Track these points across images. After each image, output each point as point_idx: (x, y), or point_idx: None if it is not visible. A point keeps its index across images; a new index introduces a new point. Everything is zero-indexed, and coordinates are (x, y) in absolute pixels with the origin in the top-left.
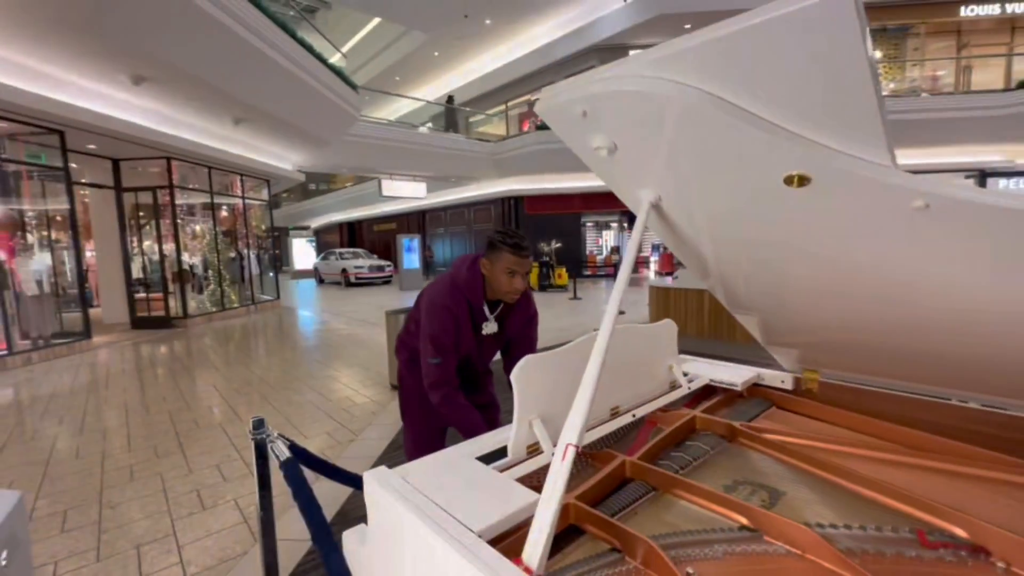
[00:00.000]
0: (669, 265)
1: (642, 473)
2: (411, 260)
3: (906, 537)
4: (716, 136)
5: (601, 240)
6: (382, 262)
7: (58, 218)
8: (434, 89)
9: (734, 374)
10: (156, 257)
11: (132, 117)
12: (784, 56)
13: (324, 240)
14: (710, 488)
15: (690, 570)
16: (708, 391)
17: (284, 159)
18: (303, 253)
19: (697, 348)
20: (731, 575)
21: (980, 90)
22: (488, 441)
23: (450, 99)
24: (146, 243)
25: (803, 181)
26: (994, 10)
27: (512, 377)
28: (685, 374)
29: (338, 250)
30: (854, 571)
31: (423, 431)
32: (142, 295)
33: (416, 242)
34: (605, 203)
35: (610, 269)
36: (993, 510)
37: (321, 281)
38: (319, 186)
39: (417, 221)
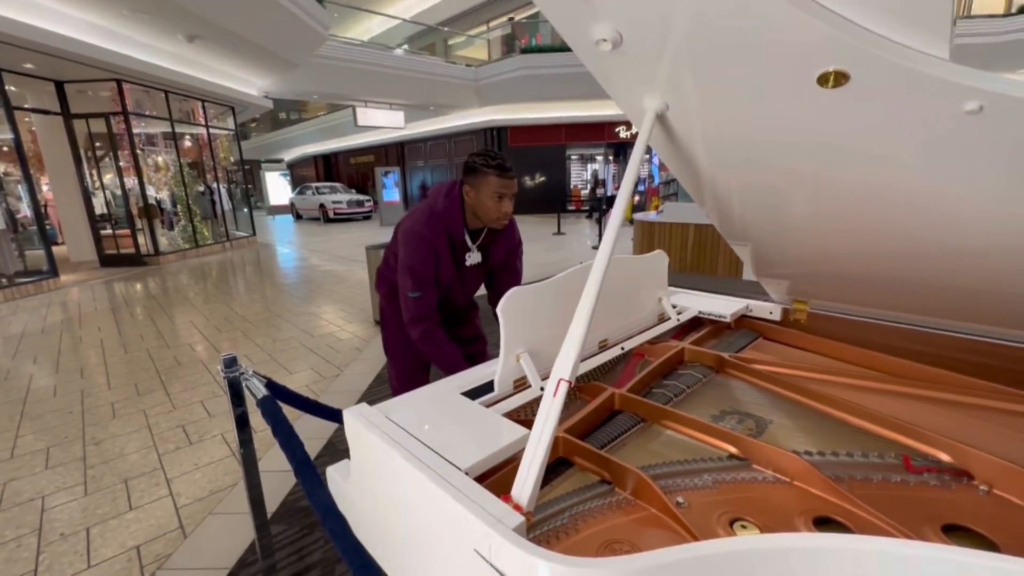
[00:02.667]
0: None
1: (631, 405)
2: (391, 194)
3: (892, 463)
4: (746, 18)
5: (586, 174)
6: (361, 197)
7: (4, 148)
8: (408, 7)
9: (722, 306)
10: (119, 191)
11: (70, 31)
12: None
13: (299, 174)
14: (698, 418)
15: (680, 499)
16: (696, 323)
17: (249, 84)
18: (278, 188)
19: (680, 282)
20: (721, 503)
21: (981, 14)
22: (473, 376)
23: None
24: (107, 176)
25: (840, 80)
26: None
27: (499, 309)
28: (674, 306)
29: (315, 184)
30: (842, 496)
31: (408, 366)
32: (108, 232)
33: (396, 175)
34: (591, 135)
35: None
36: (976, 435)
37: (299, 217)
38: (290, 115)
39: (396, 153)
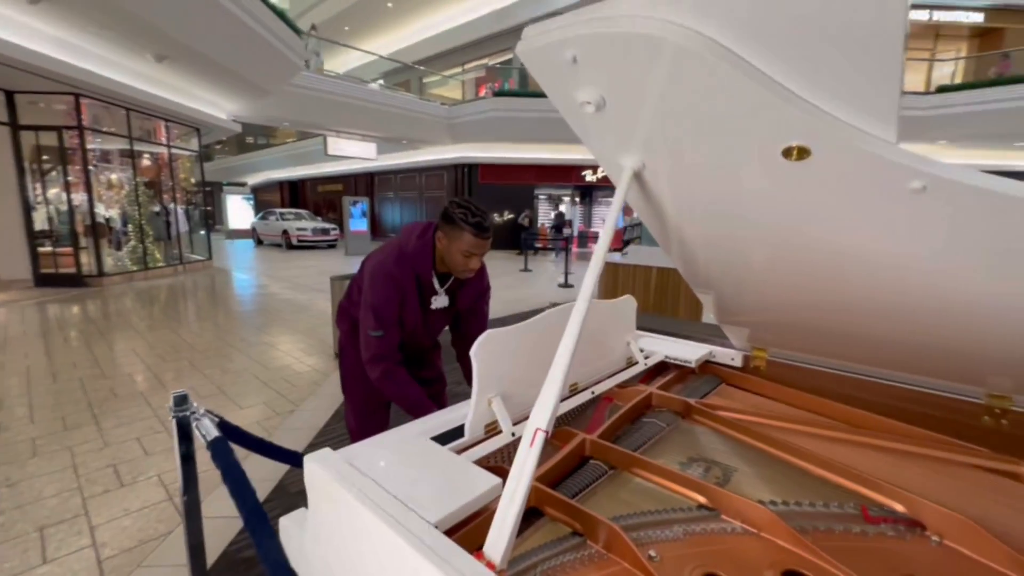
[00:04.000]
0: (618, 242)
1: (602, 452)
2: (358, 223)
3: (851, 513)
4: (718, 94)
5: (553, 213)
6: (327, 224)
7: None
8: (386, 44)
9: (687, 351)
10: (65, 207)
11: (26, 41)
12: (814, 11)
13: (263, 199)
14: (667, 466)
15: (652, 552)
16: (661, 367)
17: (217, 107)
18: (239, 211)
19: (642, 322)
20: (692, 556)
21: (907, 91)
22: (442, 419)
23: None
24: (52, 191)
25: (803, 154)
26: (923, 15)
27: (472, 353)
28: (641, 350)
29: (279, 210)
30: (807, 548)
31: (366, 404)
32: (47, 249)
33: (364, 205)
34: (559, 176)
35: (562, 242)
36: (925, 485)
37: (259, 242)
38: (258, 139)
39: (365, 183)
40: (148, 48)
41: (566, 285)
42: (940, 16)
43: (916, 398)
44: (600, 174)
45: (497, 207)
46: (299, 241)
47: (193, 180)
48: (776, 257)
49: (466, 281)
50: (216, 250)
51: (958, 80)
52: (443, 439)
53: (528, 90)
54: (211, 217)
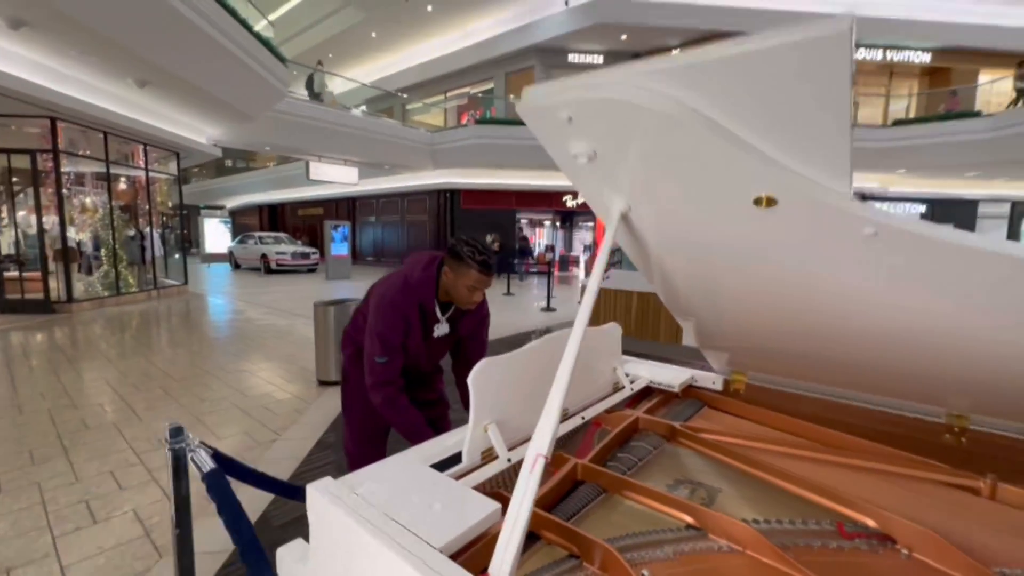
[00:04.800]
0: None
1: (593, 475)
2: (340, 248)
3: (828, 529)
4: (698, 153)
5: (535, 238)
6: (307, 248)
7: None
8: (369, 72)
9: (671, 375)
10: (34, 231)
11: (4, 65)
12: (776, 84)
13: (241, 222)
14: (656, 489)
15: (645, 572)
16: (646, 391)
17: (198, 131)
18: (217, 235)
19: (625, 345)
20: (682, 574)
21: (864, 124)
22: (440, 447)
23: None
24: (20, 213)
25: (771, 203)
26: (877, 55)
27: (469, 381)
28: (627, 375)
29: (258, 234)
30: (790, 564)
31: (364, 431)
32: (13, 274)
33: (345, 229)
34: (540, 202)
35: (543, 267)
36: (896, 501)
37: (237, 266)
38: (236, 163)
39: (346, 207)
40: (130, 73)
41: (548, 308)
42: (893, 56)
43: (885, 419)
44: (580, 200)
45: (480, 232)
46: (278, 265)
47: (170, 203)
48: (751, 290)
49: (464, 312)
50: (192, 274)
51: (912, 115)
52: (441, 466)
53: (510, 118)
54: (187, 241)
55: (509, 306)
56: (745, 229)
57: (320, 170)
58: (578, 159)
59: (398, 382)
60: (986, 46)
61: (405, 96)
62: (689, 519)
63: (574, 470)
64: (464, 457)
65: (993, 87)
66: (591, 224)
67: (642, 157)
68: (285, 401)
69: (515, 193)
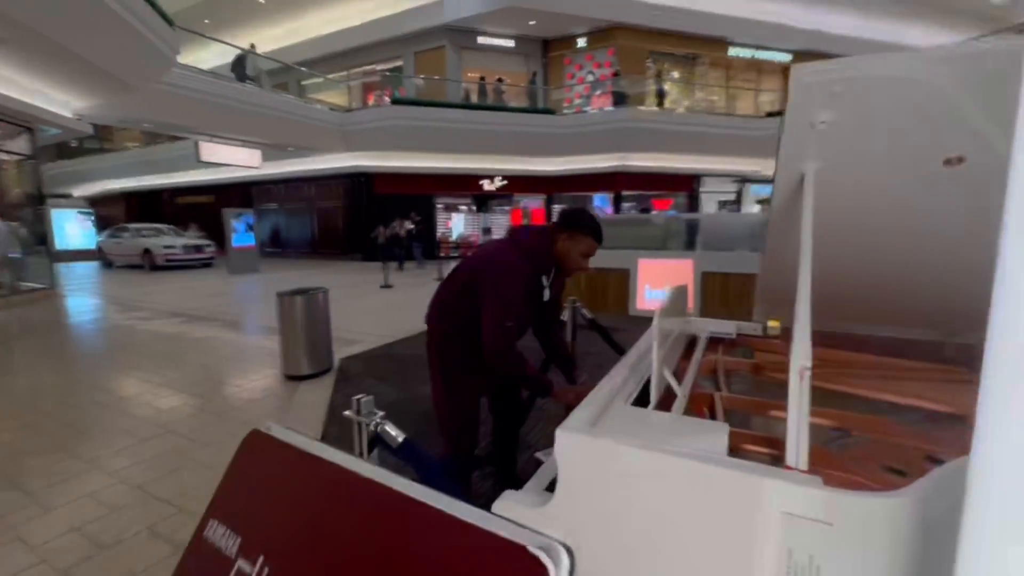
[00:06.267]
0: None
1: (735, 403)
2: (244, 238)
3: (911, 416)
4: (931, 119)
5: (451, 222)
6: (200, 240)
7: None
8: (260, 41)
9: (723, 327)
10: None
11: None
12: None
13: (104, 213)
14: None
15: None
16: (709, 340)
17: (61, 103)
18: (73, 228)
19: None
20: (865, 457)
21: (742, 114)
22: (625, 387)
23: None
24: None
25: (960, 161)
26: (748, 53)
27: (656, 332)
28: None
29: (134, 225)
30: (922, 438)
31: (467, 401)
32: None
33: (250, 218)
34: (458, 186)
35: (464, 250)
36: (927, 392)
37: (109, 264)
38: (84, 143)
39: (241, 194)
40: None
41: None
42: (760, 55)
43: (894, 343)
44: (498, 183)
45: (397, 217)
46: (167, 261)
47: (19, 191)
48: (871, 245)
49: (558, 278)
50: (55, 275)
51: (777, 108)
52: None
53: (430, 99)
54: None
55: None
56: (912, 189)
57: (213, 151)
58: (818, 125)
59: (517, 344)
60: (838, 52)
61: (304, 70)
62: (831, 423)
63: (714, 401)
64: (652, 395)
65: None
66: (507, 208)
67: (874, 124)
68: (259, 401)
69: (432, 177)
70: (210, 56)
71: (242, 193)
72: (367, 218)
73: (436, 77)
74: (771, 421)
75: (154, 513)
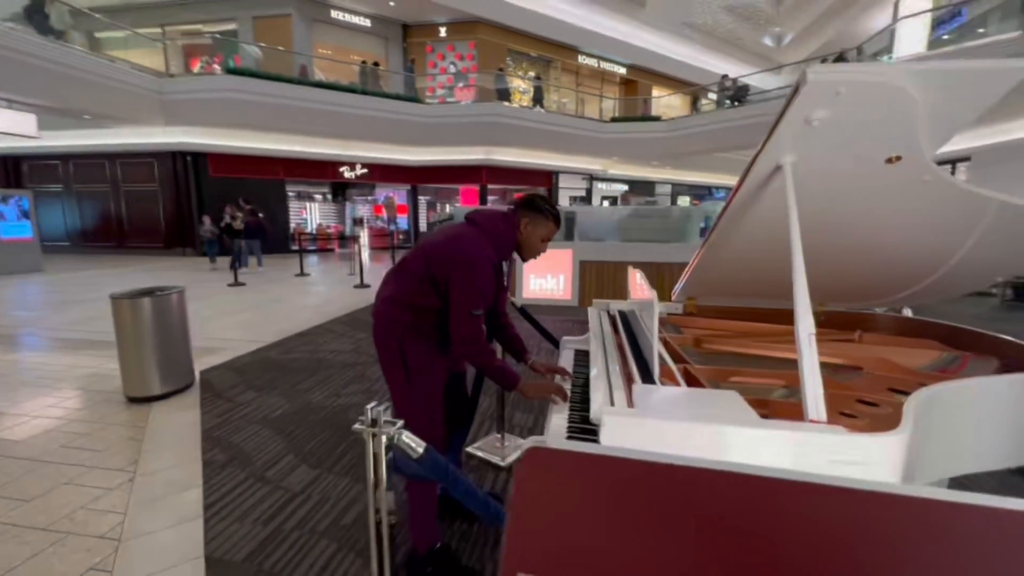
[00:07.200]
0: (381, 240)
1: (701, 374)
2: (18, 229)
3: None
4: (893, 123)
5: (306, 212)
6: None
7: None
8: None
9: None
10: None
11: None
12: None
13: None
14: (755, 369)
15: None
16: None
17: None
18: None
19: None
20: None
21: (589, 117)
22: (623, 369)
23: None
24: None
25: (898, 160)
26: (594, 62)
27: (655, 311)
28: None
29: None
30: (851, 389)
31: (436, 392)
32: None
33: (24, 201)
34: (313, 172)
35: (322, 243)
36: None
37: None
38: None
39: (6, 171)
40: None
41: (362, 285)
42: (604, 65)
43: (779, 312)
44: (359, 171)
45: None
46: None
47: None
48: (821, 231)
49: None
50: None
51: (617, 114)
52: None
53: (276, 73)
54: None
55: (317, 285)
56: (863, 182)
57: None
58: (811, 122)
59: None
60: (659, 70)
61: (100, 18)
62: (782, 382)
63: (687, 372)
64: (654, 373)
65: (662, 100)
66: (370, 198)
67: (849, 124)
68: (90, 436)
69: (283, 161)
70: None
71: (7, 170)
72: (200, 203)
73: (280, 48)
74: (735, 386)
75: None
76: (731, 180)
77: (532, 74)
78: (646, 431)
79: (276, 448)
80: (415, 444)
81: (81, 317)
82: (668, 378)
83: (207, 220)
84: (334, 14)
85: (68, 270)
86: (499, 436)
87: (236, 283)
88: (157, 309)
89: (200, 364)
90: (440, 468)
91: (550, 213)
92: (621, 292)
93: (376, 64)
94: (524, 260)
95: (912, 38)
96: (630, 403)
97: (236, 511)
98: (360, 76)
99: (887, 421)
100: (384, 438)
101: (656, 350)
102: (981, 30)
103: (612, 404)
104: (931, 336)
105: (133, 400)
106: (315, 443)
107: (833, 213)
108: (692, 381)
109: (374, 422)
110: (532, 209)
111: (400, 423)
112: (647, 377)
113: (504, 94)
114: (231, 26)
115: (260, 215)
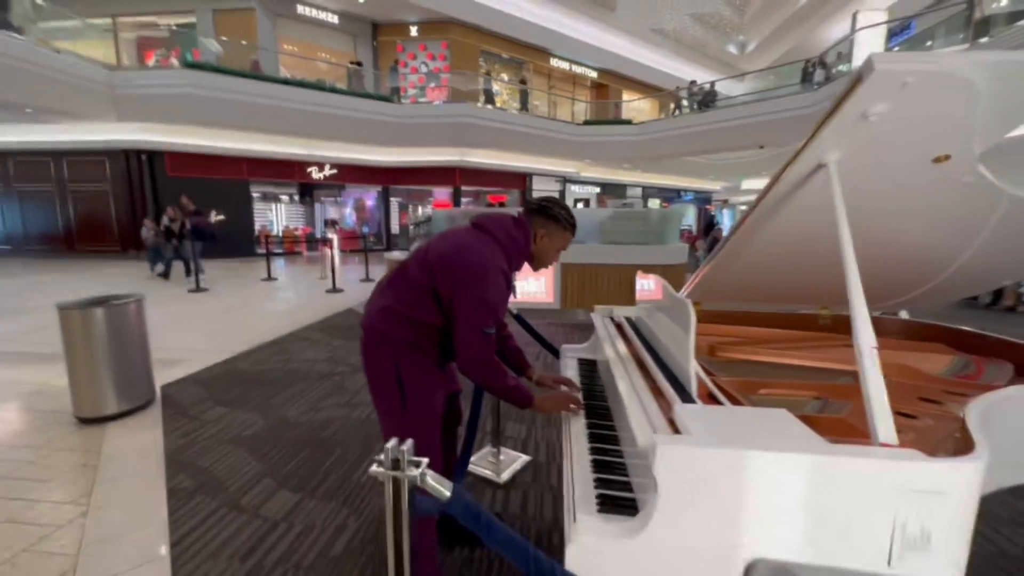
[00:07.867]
0: (351, 243)
1: (736, 387)
2: None
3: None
4: (957, 125)
5: (271, 213)
6: None
7: None
8: None
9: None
10: None
11: None
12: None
13: None
14: (785, 381)
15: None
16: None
17: None
18: None
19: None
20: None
21: (563, 120)
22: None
23: None
24: None
25: (946, 159)
26: (565, 65)
27: (692, 318)
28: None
29: None
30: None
31: (436, 412)
32: None
33: None
34: (280, 172)
35: (289, 245)
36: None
37: None
38: None
39: None
40: None
41: (335, 290)
42: (575, 68)
43: (786, 316)
44: (328, 172)
45: (204, 207)
46: None
47: None
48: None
49: None
50: None
51: (589, 117)
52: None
53: (240, 69)
54: None
55: (289, 290)
56: (906, 176)
57: None
58: (868, 117)
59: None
60: (629, 74)
61: (43, 3)
62: (814, 394)
63: (719, 386)
64: (693, 389)
65: (632, 104)
66: (336, 199)
67: (910, 121)
68: (34, 464)
69: (247, 160)
70: None
71: None
72: (156, 204)
73: (244, 42)
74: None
75: None
76: (699, 184)
77: (505, 77)
78: (707, 462)
79: (251, 471)
80: (442, 486)
81: (23, 328)
82: (702, 393)
83: (148, 224)
84: (300, 9)
85: (7, 275)
86: (494, 451)
87: (198, 288)
88: (112, 320)
89: (161, 378)
90: (472, 513)
91: (567, 222)
92: (602, 295)
93: (359, 64)
94: (535, 270)
95: (870, 47)
96: (672, 426)
97: (208, 547)
98: (347, 80)
99: (936, 436)
100: (406, 482)
101: (693, 366)
102: (929, 43)
103: (654, 430)
104: (935, 339)
105: (85, 421)
106: (295, 463)
107: (859, 214)
108: (727, 396)
109: (395, 463)
110: (548, 217)
111: (425, 461)
112: (682, 394)
113: (489, 96)
114: (190, 19)
115: (215, 215)
